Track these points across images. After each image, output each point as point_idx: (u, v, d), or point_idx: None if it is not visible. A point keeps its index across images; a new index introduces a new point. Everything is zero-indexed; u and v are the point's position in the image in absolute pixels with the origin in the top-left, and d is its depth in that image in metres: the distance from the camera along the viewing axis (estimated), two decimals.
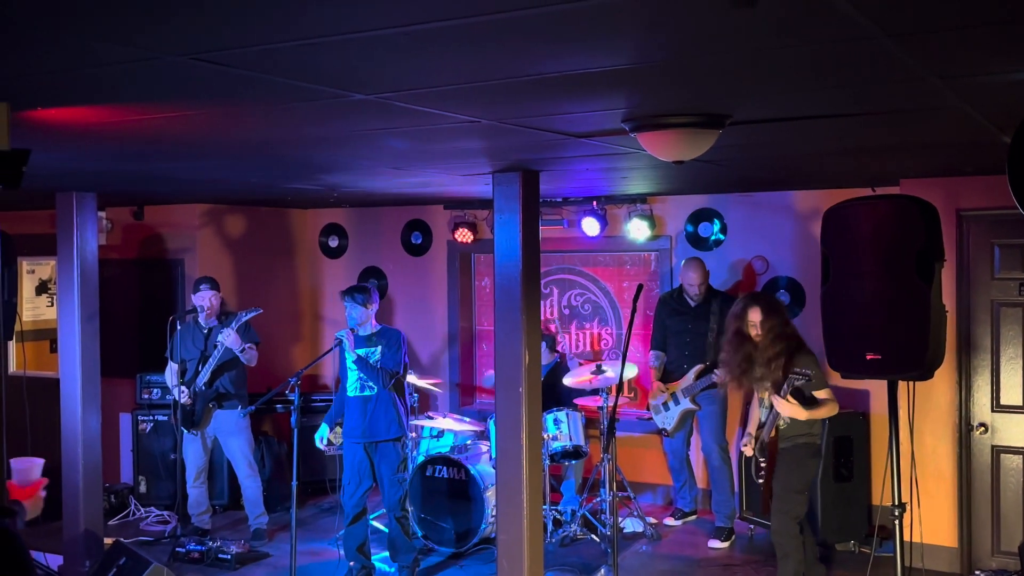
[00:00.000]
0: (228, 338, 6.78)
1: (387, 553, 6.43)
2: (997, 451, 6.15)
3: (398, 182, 6.28)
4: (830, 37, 2.39)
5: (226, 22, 2.16)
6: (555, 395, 7.21)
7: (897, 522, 4.32)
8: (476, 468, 6.66)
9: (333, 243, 9.39)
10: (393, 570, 6.35)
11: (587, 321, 8.42)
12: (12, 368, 8.11)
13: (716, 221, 7.67)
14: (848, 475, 6.63)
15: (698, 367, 6.96)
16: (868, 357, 4.13)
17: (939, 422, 6.21)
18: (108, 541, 6.37)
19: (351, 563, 6.22)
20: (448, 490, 6.73)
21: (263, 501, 7.24)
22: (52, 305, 9.01)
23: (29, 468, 3.26)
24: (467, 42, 2.38)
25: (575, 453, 6.94)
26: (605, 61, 2.62)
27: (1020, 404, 6.07)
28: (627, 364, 5.82)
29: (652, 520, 7.31)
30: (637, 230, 7.61)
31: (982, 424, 6.15)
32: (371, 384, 6.09)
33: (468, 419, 7.42)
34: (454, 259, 8.82)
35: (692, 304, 7.12)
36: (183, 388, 6.92)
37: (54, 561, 6.44)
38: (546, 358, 7.28)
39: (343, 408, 6.23)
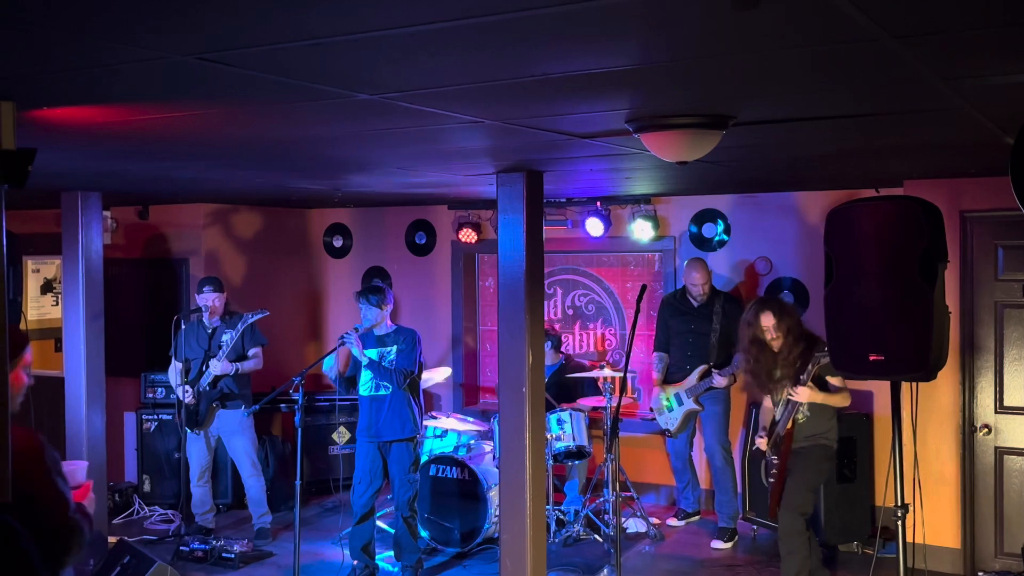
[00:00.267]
0: (216, 368, 6.83)
1: (391, 553, 6.44)
2: (1000, 452, 6.14)
3: (402, 182, 6.29)
4: (833, 38, 2.40)
5: (232, 22, 2.17)
6: (564, 394, 7.22)
7: (900, 523, 4.32)
8: (480, 468, 6.67)
9: (337, 243, 9.40)
10: (396, 570, 6.36)
11: (591, 322, 8.43)
12: None
13: (720, 222, 7.67)
14: (851, 476, 6.63)
15: (701, 368, 6.97)
16: (871, 358, 4.12)
17: (942, 423, 6.21)
18: (112, 540, 6.37)
19: (355, 562, 6.23)
20: (452, 490, 6.74)
21: (267, 500, 7.25)
22: (57, 304, 9.03)
23: (74, 471, 3.26)
24: (472, 43, 2.39)
25: (578, 453, 6.95)
26: (610, 62, 2.62)
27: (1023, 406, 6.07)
28: (629, 367, 5.83)
29: (655, 520, 7.31)
30: (641, 231, 7.62)
31: (985, 425, 6.15)
32: (385, 384, 6.10)
33: (471, 419, 7.44)
34: (458, 259, 8.83)
35: (695, 305, 7.12)
36: (187, 387, 6.94)
37: None
38: (551, 359, 7.29)
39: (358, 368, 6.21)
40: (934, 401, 6.14)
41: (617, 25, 2.23)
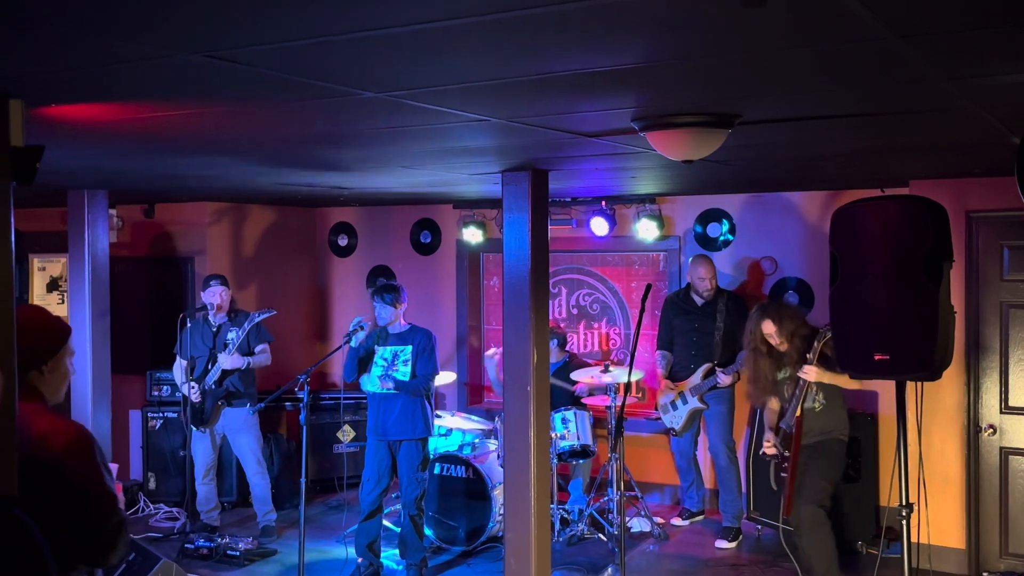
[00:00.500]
0: (227, 362, 6.83)
1: (396, 551, 6.45)
2: (1005, 453, 6.14)
3: (407, 181, 6.30)
4: (839, 37, 2.40)
5: (240, 20, 2.18)
6: (566, 394, 7.23)
7: (904, 523, 4.32)
8: (484, 467, 6.68)
9: (342, 242, 9.42)
10: (401, 568, 6.37)
11: (595, 321, 8.43)
12: None
13: (725, 221, 7.67)
14: (856, 476, 6.63)
15: (705, 366, 6.97)
16: (876, 357, 4.12)
17: (947, 423, 6.21)
18: None
19: (359, 560, 6.24)
20: (457, 489, 6.75)
21: (271, 498, 7.26)
22: (63, 302, 9.04)
23: None
24: (478, 40, 2.39)
25: (583, 452, 6.96)
26: (617, 60, 2.63)
27: None
28: (634, 366, 5.84)
29: (659, 520, 7.31)
30: (646, 230, 7.62)
31: (990, 426, 6.14)
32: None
33: (476, 418, 7.45)
34: (463, 258, 8.84)
35: (699, 303, 7.12)
36: (193, 384, 6.95)
37: None
38: (555, 356, 7.30)
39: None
40: (939, 401, 6.13)
41: (625, 23, 2.23)
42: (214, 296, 7.00)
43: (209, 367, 6.97)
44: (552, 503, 6.50)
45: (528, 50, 2.51)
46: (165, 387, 7.96)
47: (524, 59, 2.61)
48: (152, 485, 7.99)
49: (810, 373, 5.30)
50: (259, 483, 7.18)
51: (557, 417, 6.80)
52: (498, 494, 6.48)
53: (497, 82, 2.90)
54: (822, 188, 7.21)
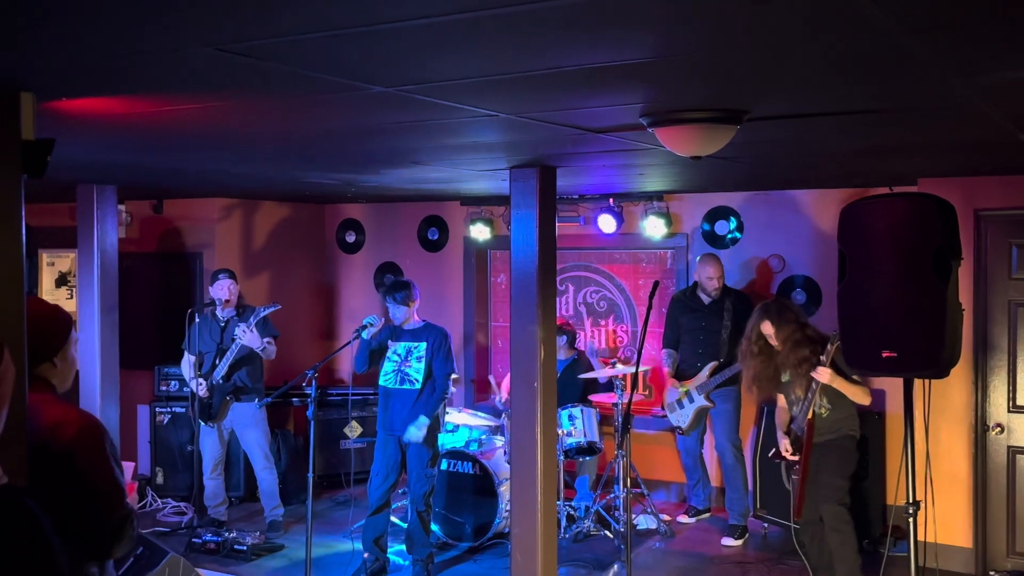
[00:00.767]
0: (245, 336, 6.82)
1: (403, 546, 6.47)
2: (1013, 451, 6.13)
3: (416, 177, 6.30)
4: (847, 33, 2.40)
5: (251, 14, 2.19)
6: (573, 392, 7.23)
7: (911, 521, 4.31)
8: (491, 463, 6.69)
9: (350, 238, 9.43)
10: (408, 563, 6.38)
11: (603, 318, 8.44)
12: None
13: (732, 219, 7.66)
14: (863, 474, 6.61)
15: (712, 364, 6.97)
16: (884, 355, 4.12)
17: (955, 422, 6.20)
18: None
19: (366, 555, 6.26)
20: (464, 485, 6.76)
21: (279, 493, 7.28)
22: (71, 298, 9.07)
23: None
24: (487, 34, 2.39)
25: (589, 449, 6.96)
26: (626, 55, 2.63)
27: None
28: (641, 364, 5.84)
29: (666, 517, 7.32)
30: (653, 227, 7.62)
31: (998, 424, 6.13)
32: (412, 379, 6.12)
33: (483, 414, 7.46)
34: (470, 255, 8.85)
35: (706, 301, 7.13)
36: (201, 380, 6.97)
37: None
38: (564, 354, 7.31)
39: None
40: (947, 400, 6.12)
41: (634, 18, 2.24)
42: (222, 290, 7.01)
43: (217, 362, 6.98)
44: (559, 500, 6.51)
45: (538, 45, 2.51)
46: (173, 382, 7.99)
47: (533, 54, 2.62)
48: (160, 480, 8.02)
49: (823, 375, 5.25)
50: (266, 478, 7.20)
51: (564, 414, 6.81)
52: (505, 490, 6.49)
53: (506, 77, 2.91)
54: (830, 186, 7.20)
